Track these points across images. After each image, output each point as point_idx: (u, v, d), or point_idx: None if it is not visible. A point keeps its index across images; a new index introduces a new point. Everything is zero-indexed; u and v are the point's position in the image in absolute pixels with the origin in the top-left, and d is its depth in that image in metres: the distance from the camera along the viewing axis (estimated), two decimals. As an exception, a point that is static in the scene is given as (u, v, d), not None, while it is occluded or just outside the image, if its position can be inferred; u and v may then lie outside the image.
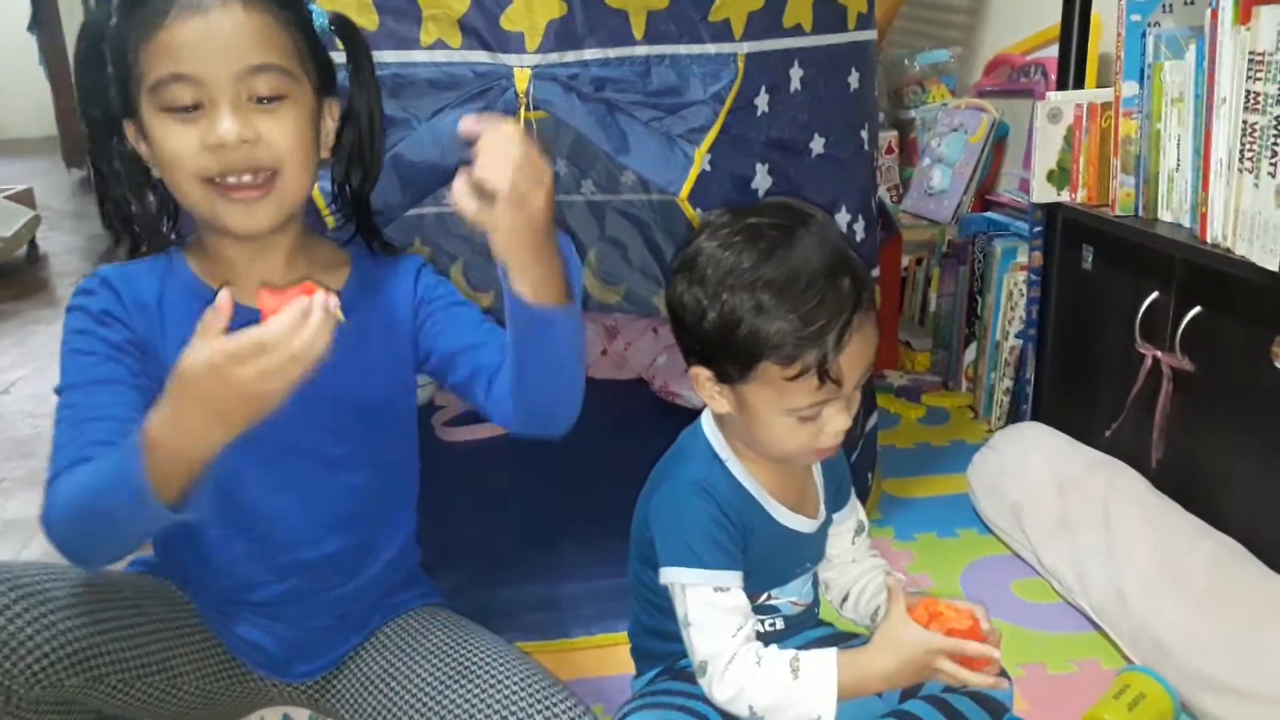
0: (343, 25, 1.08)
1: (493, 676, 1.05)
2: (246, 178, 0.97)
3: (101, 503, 0.88)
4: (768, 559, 1.10)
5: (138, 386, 0.98)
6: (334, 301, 0.82)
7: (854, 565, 1.21)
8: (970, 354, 2.26)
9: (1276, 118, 1.30)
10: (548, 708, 1.01)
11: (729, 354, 1.00)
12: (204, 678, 1.12)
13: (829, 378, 0.97)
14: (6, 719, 0.96)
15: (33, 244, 4.00)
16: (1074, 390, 1.85)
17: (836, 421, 1.02)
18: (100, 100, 1.01)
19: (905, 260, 2.54)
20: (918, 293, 2.52)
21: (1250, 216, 1.36)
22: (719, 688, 1.02)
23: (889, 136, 2.75)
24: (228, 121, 0.94)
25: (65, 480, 0.91)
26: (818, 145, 1.55)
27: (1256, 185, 1.34)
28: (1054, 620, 1.52)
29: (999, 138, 2.45)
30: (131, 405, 0.95)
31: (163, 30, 0.94)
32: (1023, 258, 2.07)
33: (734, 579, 1.04)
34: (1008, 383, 2.10)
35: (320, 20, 1.05)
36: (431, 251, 2.49)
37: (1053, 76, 1.97)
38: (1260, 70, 1.32)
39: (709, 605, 1.03)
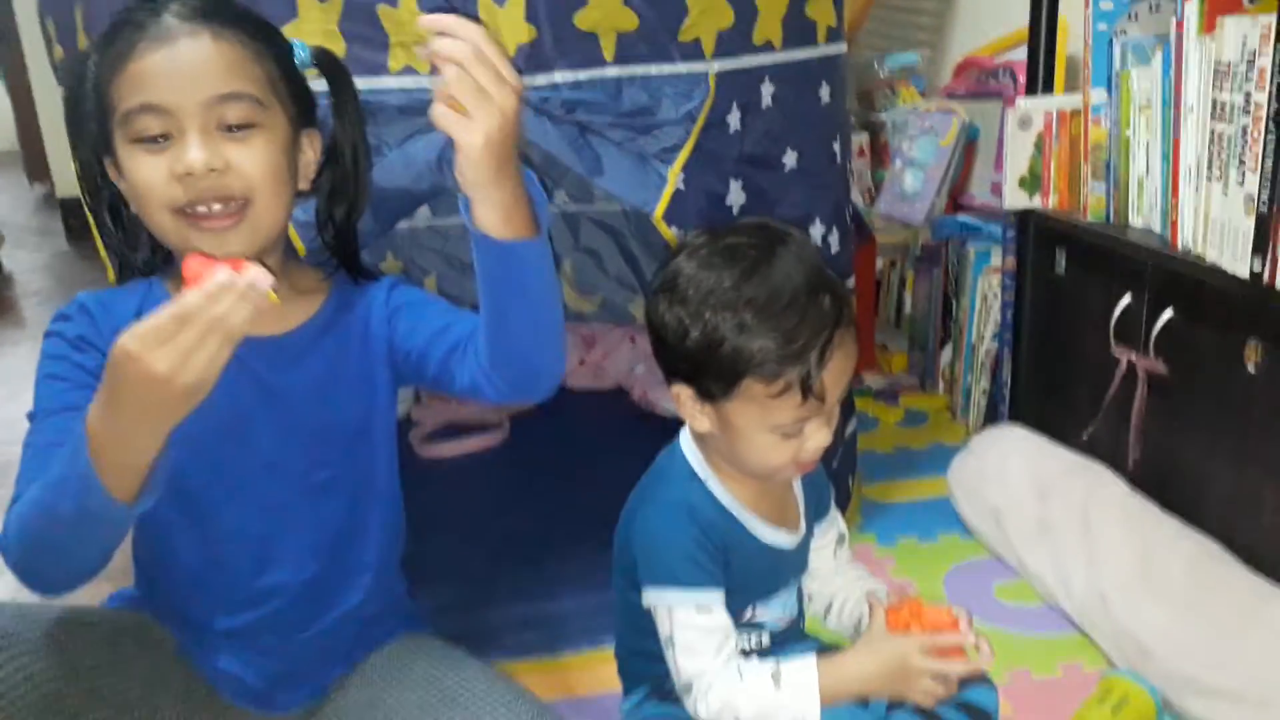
0: (325, 61, 1.07)
1: (478, 704, 1.05)
2: (217, 207, 0.95)
3: (53, 504, 0.85)
4: (750, 575, 1.11)
5: None
6: (264, 279, 0.79)
7: (836, 576, 1.22)
8: (946, 355, 2.27)
9: (1243, 127, 1.31)
10: None
11: (712, 372, 1.01)
12: (185, 712, 1.11)
13: (812, 394, 0.99)
14: None
15: (-3, 263, 3.95)
16: (1051, 392, 1.86)
17: (818, 437, 1.03)
18: (85, 141, 1.00)
19: (879, 263, 2.55)
20: (892, 295, 2.53)
21: (1220, 224, 1.37)
22: (704, 706, 1.03)
23: (859, 139, 2.76)
24: (195, 151, 0.93)
25: (23, 499, 0.90)
26: (790, 160, 1.56)
27: (1225, 193, 1.36)
28: (1037, 623, 1.53)
29: (969, 140, 2.47)
30: None
31: (132, 62, 0.93)
32: (996, 260, 2.08)
33: (715, 598, 1.05)
34: (984, 384, 2.11)
35: (301, 55, 1.04)
36: (405, 265, 2.47)
37: (1021, 79, 1.98)
38: (1226, 80, 1.34)
39: (690, 626, 1.04)
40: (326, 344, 1.09)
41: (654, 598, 1.06)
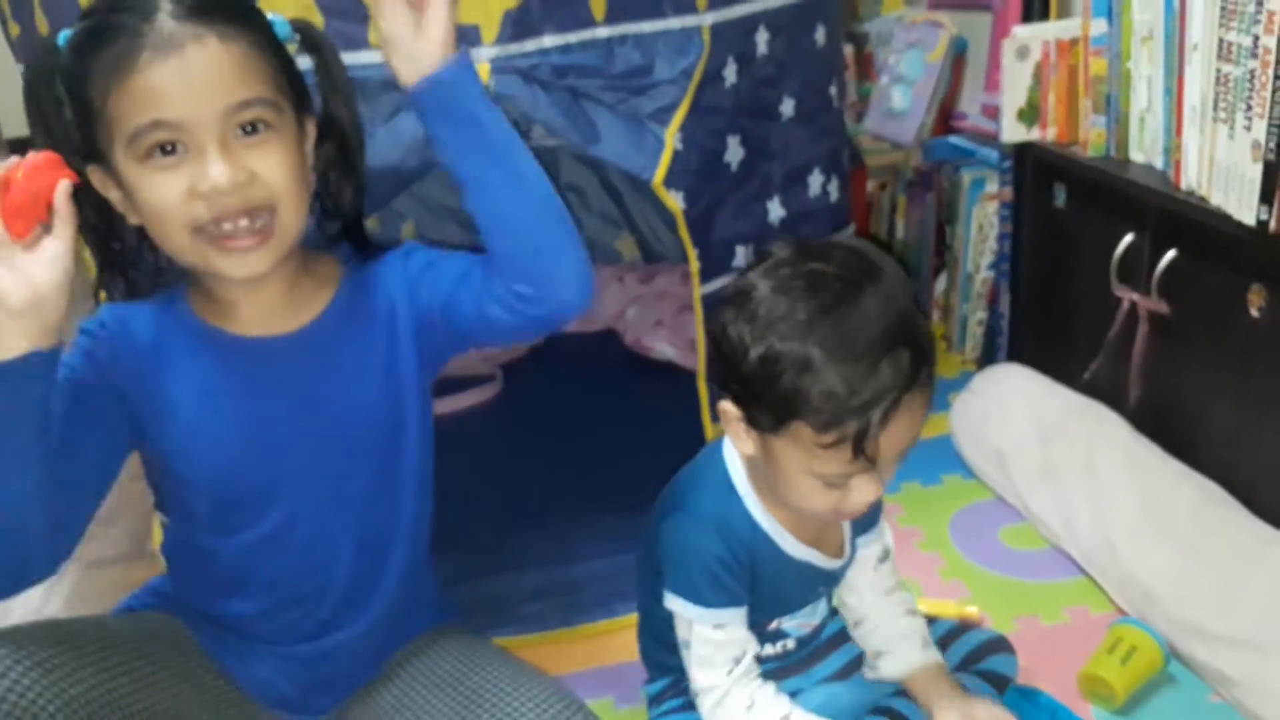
0: (307, 32, 1.02)
1: (506, 704, 1.06)
2: (244, 223, 0.92)
3: None
4: (779, 591, 1.10)
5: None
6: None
7: (872, 598, 1.18)
8: (941, 284, 2.25)
9: (1251, 71, 1.28)
10: None
11: (764, 403, 0.94)
12: (216, 718, 1.12)
13: (864, 454, 0.92)
14: None
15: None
16: (1050, 328, 1.85)
17: (865, 491, 0.97)
18: (61, 146, 0.93)
19: (870, 185, 2.51)
20: (883, 220, 2.49)
21: (1225, 168, 1.35)
22: None
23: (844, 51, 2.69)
24: (219, 166, 0.89)
25: None
26: (788, 108, 1.52)
27: (1231, 137, 1.33)
28: (1043, 568, 1.55)
29: (957, 53, 2.40)
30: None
31: (136, 74, 0.87)
32: (991, 188, 2.05)
33: (734, 615, 1.05)
34: (981, 314, 2.10)
35: (284, 31, 0.99)
36: (381, 212, 2.41)
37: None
38: (1233, 20, 1.30)
39: (707, 640, 1.05)
40: (349, 333, 1.05)
41: (674, 605, 1.06)
